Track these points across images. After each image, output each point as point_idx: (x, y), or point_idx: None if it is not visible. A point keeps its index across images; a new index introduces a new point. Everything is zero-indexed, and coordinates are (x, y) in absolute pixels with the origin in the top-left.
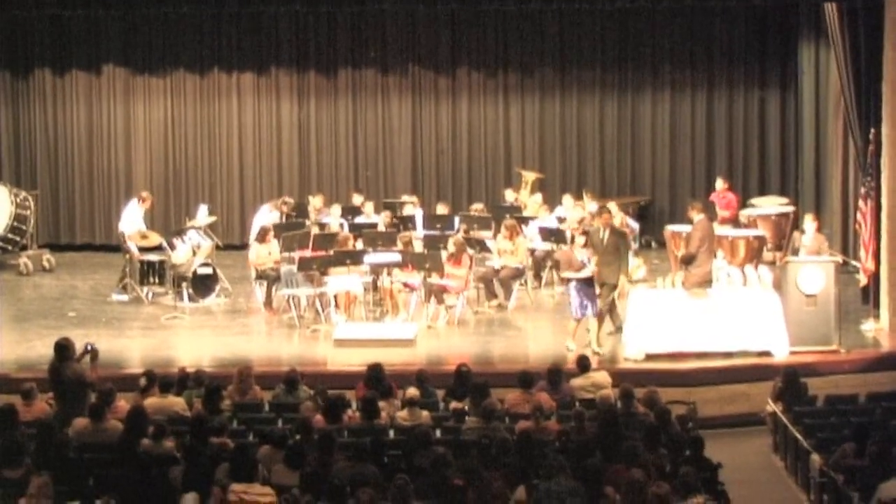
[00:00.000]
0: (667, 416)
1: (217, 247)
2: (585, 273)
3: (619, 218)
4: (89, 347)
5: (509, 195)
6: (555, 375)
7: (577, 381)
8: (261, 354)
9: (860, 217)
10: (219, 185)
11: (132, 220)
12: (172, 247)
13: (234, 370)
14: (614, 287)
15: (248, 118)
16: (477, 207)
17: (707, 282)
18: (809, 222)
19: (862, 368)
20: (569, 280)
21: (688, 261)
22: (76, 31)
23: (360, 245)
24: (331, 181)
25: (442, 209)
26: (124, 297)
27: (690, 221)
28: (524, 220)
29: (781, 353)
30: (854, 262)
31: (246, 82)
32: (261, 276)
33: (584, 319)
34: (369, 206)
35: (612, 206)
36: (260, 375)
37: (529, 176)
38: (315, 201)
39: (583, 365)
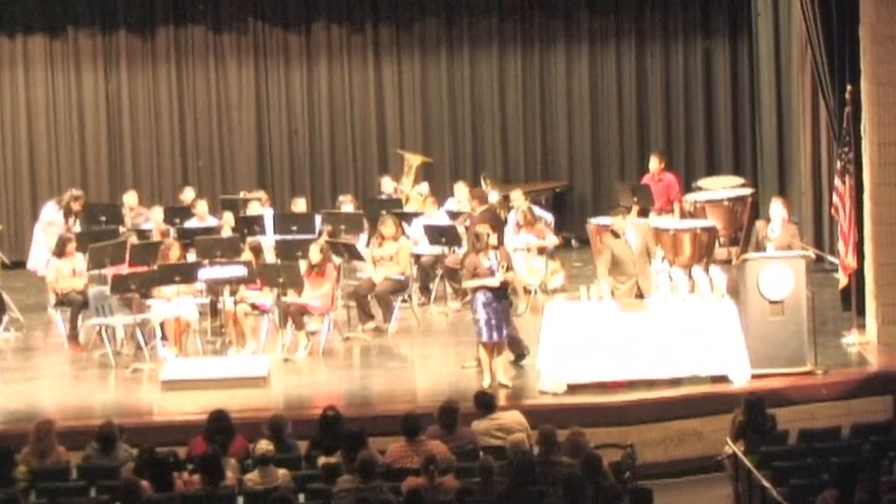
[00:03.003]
0: (596, 464)
1: (3, 265)
2: (493, 281)
3: (523, 208)
4: None
5: (387, 185)
6: (448, 416)
7: (480, 425)
8: (65, 404)
9: (836, 199)
10: (2, 184)
11: None
12: None
13: (29, 426)
14: None
15: (38, 94)
16: (345, 199)
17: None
18: (778, 207)
19: (844, 394)
20: (473, 291)
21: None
22: None
23: (191, 256)
24: (151, 174)
25: (298, 206)
26: None
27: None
28: (406, 217)
29: (741, 378)
30: (830, 258)
31: (35, 48)
32: (62, 301)
33: (499, 345)
34: (203, 206)
35: (518, 194)
36: (65, 432)
37: (414, 159)
38: (129, 200)
39: (486, 403)
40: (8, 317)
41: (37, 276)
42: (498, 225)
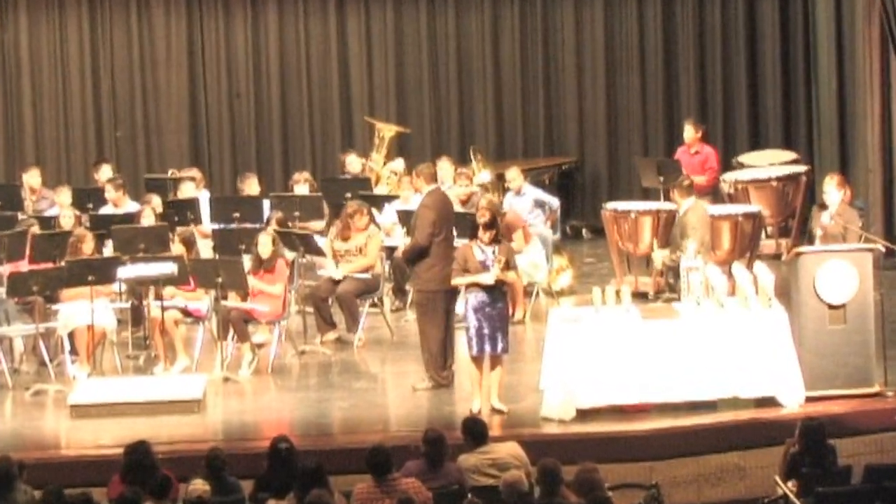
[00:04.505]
0: None
1: None
2: (486, 278)
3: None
4: None
5: (353, 162)
6: (433, 449)
7: (468, 460)
8: None
9: None
10: None
11: None
12: None
13: None
14: None
15: None
16: (299, 178)
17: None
18: (833, 189)
19: None
20: (465, 291)
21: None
22: None
23: (109, 250)
24: (57, 148)
25: (250, 187)
26: None
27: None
28: (377, 201)
29: (793, 401)
30: None
31: None
32: None
33: (494, 359)
34: (113, 188)
35: (515, 173)
36: None
37: (386, 130)
38: (30, 179)
39: (476, 433)
40: None
41: None
42: (449, 213)
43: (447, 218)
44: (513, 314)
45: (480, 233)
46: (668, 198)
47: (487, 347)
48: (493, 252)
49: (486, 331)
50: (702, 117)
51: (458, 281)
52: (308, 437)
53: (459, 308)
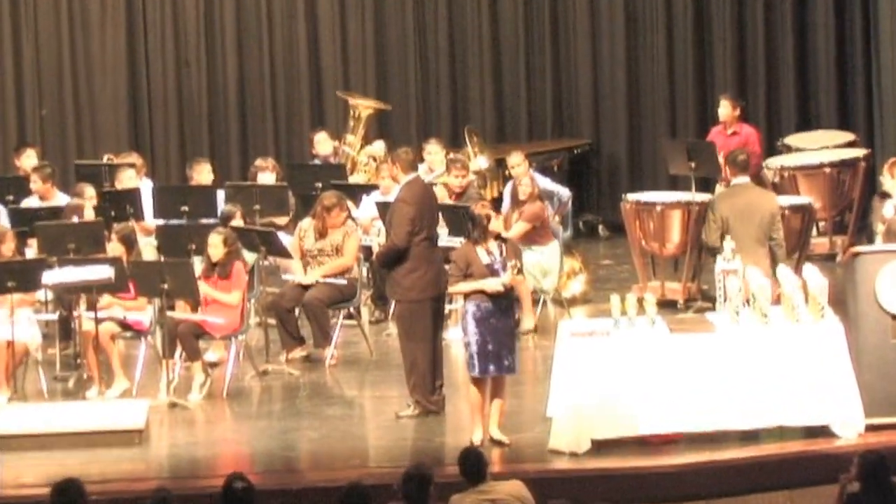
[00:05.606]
0: None
1: None
2: (494, 284)
3: (521, 171)
4: None
5: (322, 141)
6: (415, 488)
7: (464, 499)
8: None
9: None
10: None
11: None
12: None
13: None
14: None
15: None
16: (265, 166)
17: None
18: (890, 176)
19: None
20: (465, 300)
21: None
22: None
23: (32, 251)
24: None
25: (202, 175)
26: None
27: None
28: (353, 192)
29: (851, 431)
30: None
31: None
32: None
33: (497, 381)
34: (39, 179)
35: (518, 158)
36: None
37: (363, 107)
38: None
39: (473, 468)
40: None
41: None
42: (431, 207)
43: (429, 213)
44: (518, 324)
45: (491, 227)
46: (699, 187)
47: (492, 367)
48: (501, 252)
49: (490, 346)
50: (741, 92)
51: (459, 288)
52: (271, 473)
53: (453, 334)
